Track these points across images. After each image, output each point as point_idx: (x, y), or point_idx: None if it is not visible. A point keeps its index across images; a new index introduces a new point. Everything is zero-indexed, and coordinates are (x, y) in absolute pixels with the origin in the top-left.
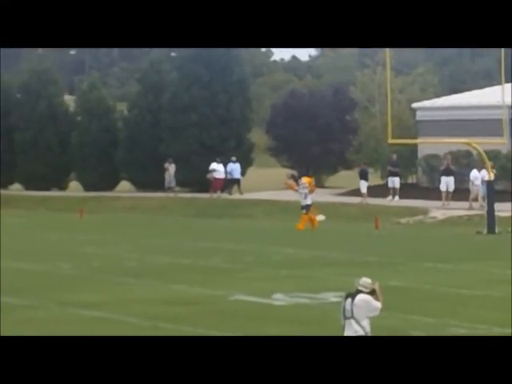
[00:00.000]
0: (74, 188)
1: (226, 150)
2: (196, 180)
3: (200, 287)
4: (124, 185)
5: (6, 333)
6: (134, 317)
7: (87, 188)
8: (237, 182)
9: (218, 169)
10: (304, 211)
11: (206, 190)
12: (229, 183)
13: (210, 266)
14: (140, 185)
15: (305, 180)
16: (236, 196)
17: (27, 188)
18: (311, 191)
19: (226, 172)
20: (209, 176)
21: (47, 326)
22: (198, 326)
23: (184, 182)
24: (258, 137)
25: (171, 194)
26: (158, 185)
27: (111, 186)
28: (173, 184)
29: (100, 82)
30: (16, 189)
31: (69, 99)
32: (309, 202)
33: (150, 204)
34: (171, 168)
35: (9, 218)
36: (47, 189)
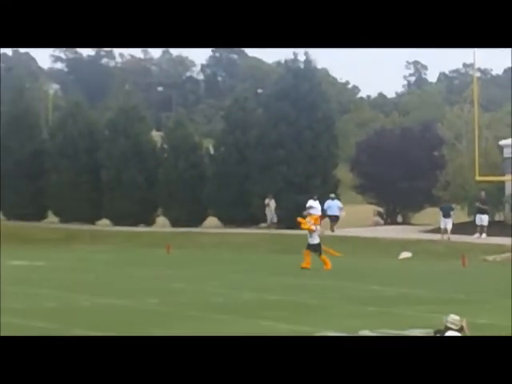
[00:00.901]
0: (161, 224)
1: (312, 186)
2: (282, 216)
3: (287, 323)
4: (211, 220)
5: None
6: None
7: (174, 224)
8: (335, 218)
9: (314, 206)
10: (317, 253)
11: (292, 227)
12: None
13: (297, 302)
14: (227, 221)
15: (310, 218)
16: (328, 233)
17: (115, 224)
18: (314, 230)
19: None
20: (305, 213)
21: None
22: None
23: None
24: (344, 173)
25: (273, 231)
26: (245, 221)
27: (198, 221)
28: (275, 220)
29: (186, 119)
30: (104, 224)
31: (156, 136)
32: (316, 240)
33: (237, 240)
34: (272, 203)
35: (97, 253)
36: (135, 224)
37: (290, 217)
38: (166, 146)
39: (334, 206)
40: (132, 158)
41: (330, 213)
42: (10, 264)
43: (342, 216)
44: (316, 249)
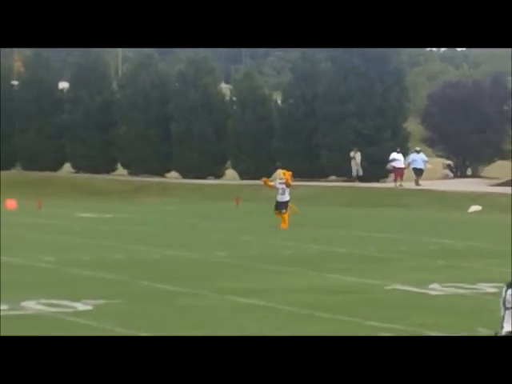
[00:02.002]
0: (230, 176)
1: (382, 139)
2: (351, 169)
3: (355, 276)
4: (280, 173)
5: (165, 320)
6: (289, 305)
7: (243, 176)
8: (420, 171)
9: (398, 158)
10: (284, 210)
11: (361, 180)
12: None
13: (366, 255)
14: (296, 173)
15: (284, 173)
16: (412, 186)
17: (184, 176)
18: (288, 186)
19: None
20: (388, 166)
21: (204, 313)
22: (354, 316)
23: (339, 172)
24: (414, 126)
25: (357, 184)
26: (314, 173)
27: (267, 174)
28: (360, 173)
29: (255, 71)
30: (173, 177)
31: (225, 88)
32: (286, 198)
33: (306, 193)
34: (357, 156)
35: (166, 206)
36: (203, 177)
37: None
38: (234, 99)
39: (418, 159)
40: (201, 110)
41: (414, 166)
42: (79, 216)
43: (427, 169)
44: (282, 206)
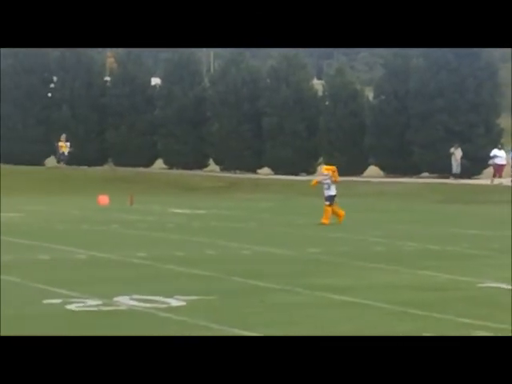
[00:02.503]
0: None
1: (475, 135)
2: (443, 166)
3: (448, 273)
4: (372, 170)
5: (258, 316)
6: (382, 302)
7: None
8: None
9: (499, 155)
10: (327, 203)
11: (455, 176)
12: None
13: (458, 252)
14: (388, 170)
15: (326, 169)
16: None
17: (276, 172)
18: (334, 181)
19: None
20: (490, 162)
21: (297, 309)
22: (447, 313)
23: (432, 168)
24: (507, 122)
25: (451, 181)
26: (407, 170)
27: (359, 170)
28: (458, 170)
29: (348, 67)
30: (265, 173)
31: (317, 84)
32: (332, 192)
33: (399, 189)
34: (457, 152)
35: (258, 202)
36: (296, 173)
37: (450, 167)
38: (326, 94)
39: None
40: (293, 106)
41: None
42: (172, 212)
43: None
44: (332, 200)
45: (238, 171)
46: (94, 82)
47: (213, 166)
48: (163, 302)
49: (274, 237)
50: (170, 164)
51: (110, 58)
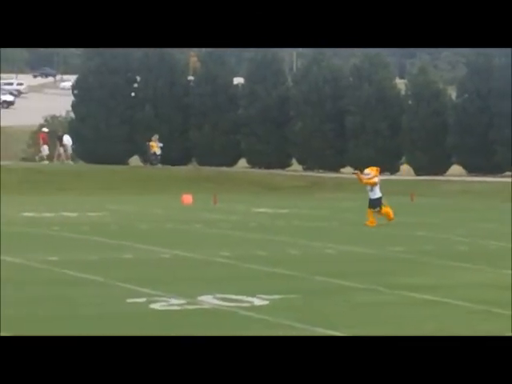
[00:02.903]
0: (405, 172)
1: None
2: None
3: None
4: (455, 169)
5: (341, 316)
6: (465, 301)
7: (418, 171)
8: None
9: None
10: (377, 208)
11: None
12: None
13: None
14: (471, 169)
15: (369, 170)
16: None
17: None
18: (372, 184)
19: None
20: None
21: (380, 309)
22: None
23: None
24: None
25: None
26: (490, 169)
27: (442, 169)
28: None
29: (431, 66)
30: (348, 172)
31: (399, 83)
32: (377, 195)
33: (482, 188)
34: None
35: (340, 201)
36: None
37: None
38: (409, 93)
39: None
40: (376, 104)
41: None
42: (255, 211)
43: None
44: (376, 204)
45: (320, 170)
46: (177, 82)
47: (295, 166)
48: (246, 302)
49: (357, 236)
50: (253, 163)
51: (193, 57)
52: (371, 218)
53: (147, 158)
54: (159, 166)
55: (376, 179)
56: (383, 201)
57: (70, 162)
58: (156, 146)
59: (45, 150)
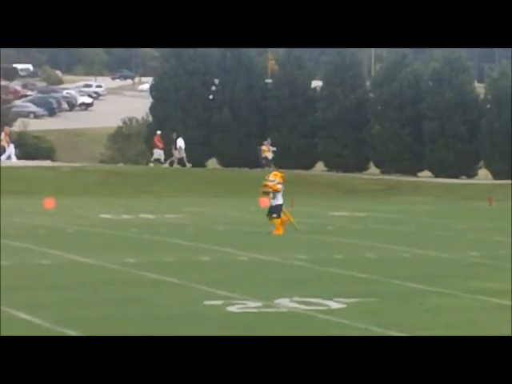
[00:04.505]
0: (483, 176)
1: None
2: None
3: None
4: (271, 175)
5: (417, 319)
6: None
7: (496, 176)
8: None
9: None
10: (275, 215)
11: None
12: None
13: None
14: None
15: (272, 175)
16: None
17: (436, 175)
18: (275, 190)
19: None
20: None
21: (457, 312)
22: None
23: None
24: None
25: None
26: None
27: None
28: None
29: (510, 70)
30: (425, 176)
31: (478, 87)
32: (278, 201)
33: None
34: None
35: (418, 205)
36: (456, 176)
37: None
38: (489, 97)
39: None
40: (455, 108)
41: None
42: (332, 214)
43: None
44: (275, 210)
45: (398, 174)
46: (255, 84)
47: (373, 169)
48: (323, 305)
49: (434, 240)
50: (331, 166)
51: (271, 60)
52: (278, 226)
53: (259, 162)
54: (272, 169)
55: (280, 186)
56: (285, 209)
57: (187, 165)
58: (267, 150)
59: (158, 153)
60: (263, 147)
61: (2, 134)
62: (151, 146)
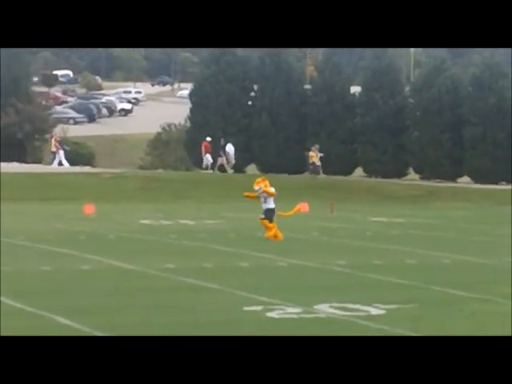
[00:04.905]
0: None
1: None
2: None
3: None
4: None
5: (457, 325)
6: None
7: None
8: None
9: None
10: (267, 218)
11: None
12: None
13: None
14: None
15: (259, 183)
16: None
17: (476, 181)
18: (268, 193)
19: None
20: None
21: (496, 318)
22: None
23: None
24: None
25: None
26: None
27: None
28: None
29: None
30: (465, 182)
31: None
32: (270, 205)
33: None
34: None
35: (457, 211)
36: (495, 182)
37: None
38: None
39: None
40: (495, 115)
41: None
42: (371, 220)
43: None
44: (270, 215)
45: (437, 180)
46: (293, 90)
47: (412, 175)
48: (362, 311)
49: (473, 246)
50: (370, 172)
51: (309, 66)
52: (271, 230)
53: (307, 168)
54: (320, 176)
55: (272, 189)
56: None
57: (231, 171)
58: (315, 157)
59: (208, 159)
60: (311, 153)
61: (52, 140)
62: (201, 153)
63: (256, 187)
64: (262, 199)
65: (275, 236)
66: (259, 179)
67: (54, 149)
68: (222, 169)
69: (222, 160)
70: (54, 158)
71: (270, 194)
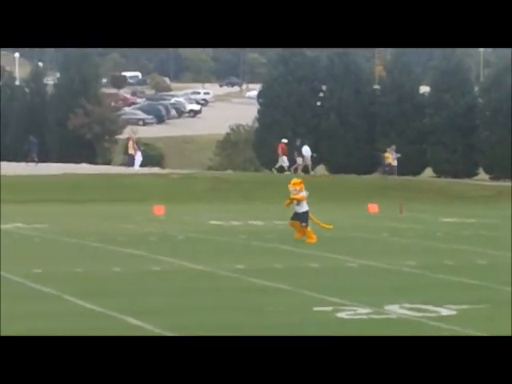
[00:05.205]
0: None
1: None
2: None
3: None
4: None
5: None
6: None
7: None
8: None
9: None
10: (304, 224)
11: None
12: None
13: None
14: None
15: (292, 183)
16: None
17: None
18: (298, 199)
19: None
20: None
21: None
22: None
23: None
24: None
25: None
26: None
27: None
28: None
29: None
30: None
31: None
32: (303, 208)
33: None
34: None
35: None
36: None
37: None
38: None
39: None
40: None
41: None
42: (441, 220)
43: None
44: (303, 218)
45: (508, 180)
46: (362, 90)
47: (482, 175)
48: (433, 311)
49: None
50: (439, 172)
51: (378, 66)
52: (308, 234)
53: (382, 169)
54: (390, 176)
55: (304, 193)
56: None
57: (311, 172)
58: (391, 157)
59: (284, 160)
60: (386, 154)
61: (130, 142)
62: (277, 154)
63: (291, 188)
64: (295, 202)
65: (310, 237)
66: (297, 180)
67: (131, 151)
68: (296, 170)
69: (300, 161)
70: (134, 160)
71: (300, 199)
